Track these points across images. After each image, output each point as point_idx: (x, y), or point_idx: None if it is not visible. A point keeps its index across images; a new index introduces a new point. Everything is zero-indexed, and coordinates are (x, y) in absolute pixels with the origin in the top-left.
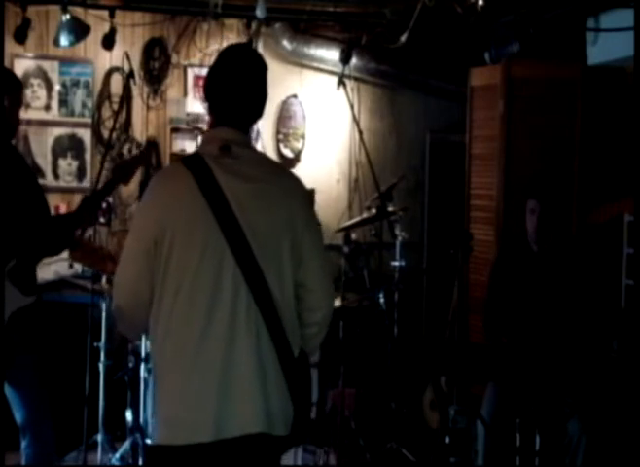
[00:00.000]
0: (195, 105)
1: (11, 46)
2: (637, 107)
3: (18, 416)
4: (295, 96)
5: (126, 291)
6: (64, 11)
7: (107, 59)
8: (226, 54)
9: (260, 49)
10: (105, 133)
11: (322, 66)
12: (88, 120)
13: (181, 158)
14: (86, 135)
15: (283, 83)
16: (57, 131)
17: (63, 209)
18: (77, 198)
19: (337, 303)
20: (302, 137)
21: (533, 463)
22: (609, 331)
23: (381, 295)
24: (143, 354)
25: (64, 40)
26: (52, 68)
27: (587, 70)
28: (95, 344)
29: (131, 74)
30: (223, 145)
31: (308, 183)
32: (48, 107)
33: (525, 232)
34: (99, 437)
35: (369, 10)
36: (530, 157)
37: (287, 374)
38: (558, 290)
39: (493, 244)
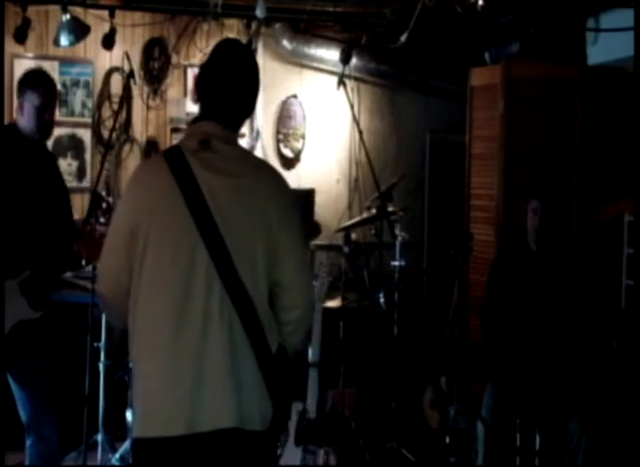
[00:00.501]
0: (196, 105)
1: (11, 46)
2: (637, 107)
3: (24, 415)
4: (295, 96)
5: (108, 279)
6: (64, 11)
7: (107, 59)
8: (216, 49)
9: (260, 49)
10: (105, 133)
11: (322, 66)
12: (89, 120)
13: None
14: (86, 135)
15: (283, 83)
16: (57, 131)
17: None
18: (77, 198)
19: (337, 303)
20: (302, 137)
21: (533, 463)
22: (609, 331)
23: (381, 295)
24: None
25: (64, 40)
26: (52, 68)
27: (587, 70)
28: (95, 344)
29: (131, 74)
30: (203, 139)
31: (308, 183)
32: None
33: (525, 231)
34: (99, 437)
35: (369, 10)
36: (530, 157)
37: (264, 369)
38: (557, 290)
39: (493, 244)
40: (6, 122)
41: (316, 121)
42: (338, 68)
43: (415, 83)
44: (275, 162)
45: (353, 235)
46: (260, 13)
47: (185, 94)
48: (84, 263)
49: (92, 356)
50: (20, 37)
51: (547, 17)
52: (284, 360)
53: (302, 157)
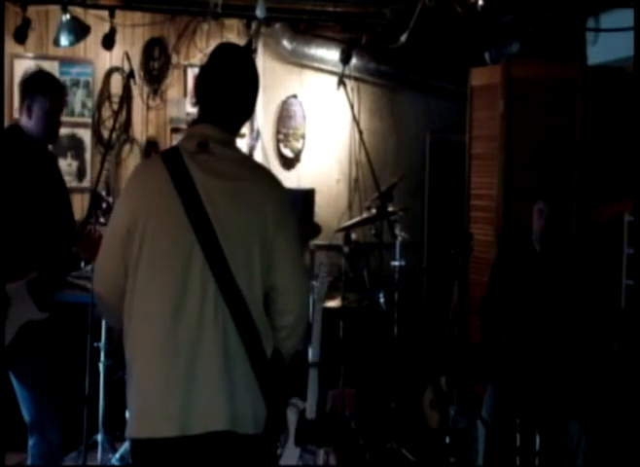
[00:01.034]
0: (195, 108)
1: (11, 46)
2: (637, 107)
3: (27, 415)
4: (295, 96)
5: (104, 278)
6: (64, 11)
7: (107, 59)
8: (215, 52)
9: (260, 49)
10: (105, 133)
11: (322, 66)
12: (89, 120)
13: (161, 151)
14: (86, 135)
15: (283, 83)
16: None
17: None
18: (77, 198)
19: (337, 303)
20: (302, 137)
21: (533, 463)
22: (609, 331)
23: (381, 295)
24: None
25: (64, 40)
26: (52, 68)
27: (587, 70)
28: (95, 344)
29: (131, 74)
30: (201, 141)
31: (308, 183)
32: None
33: (527, 231)
34: (99, 437)
35: (369, 10)
36: (530, 157)
37: (258, 373)
38: (560, 290)
39: (493, 244)
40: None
41: (316, 121)
42: (338, 68)
43: (415, 83)
44: (275, 162)
45: (353, 235)
46: (260, 13)
47: (185, 94)
48: (82, 264)
49: (92, 356)
50: (20, 37)
51: (547, 17)
52: (279, 364)
53: (302, 157)
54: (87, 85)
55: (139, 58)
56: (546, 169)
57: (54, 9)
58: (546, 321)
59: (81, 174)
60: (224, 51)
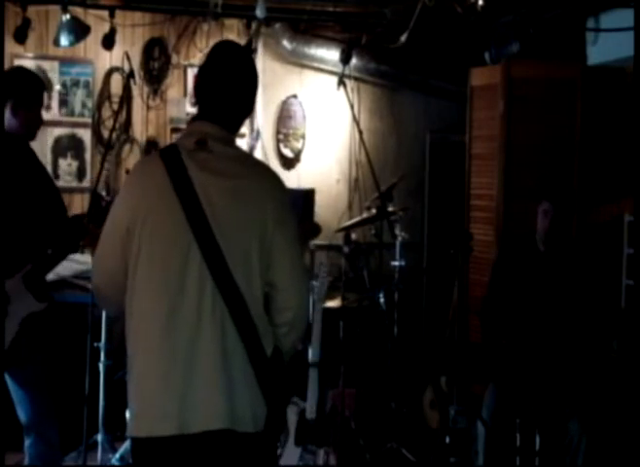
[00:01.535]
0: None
1: (11, 46)
2: (637, 107)
3: (23, 416)
4: (295, 96)
5: (102, 272)
6: (64, 11)
7: (107, 59)
8: (213, 50)
9: (260, 49)
10: (105, 133)
11: (322, 66)
12: (88, 120)
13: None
14: (86, 135)
15: (283, 83)
16: (57, 131)
17: None
18: (77, 198)
19: (337, 303)
20: (302, 137)
21: (533, 463)
22: (609, 331)
23: (381, 295)
24: None
25: (64, 40)
26: (52, 68)
27: (587, 70)
28: (95, 344)
29: (131, 74)
30: (199, 139)
31: (308, 183)
32: (48, 107)
33: (530, 231)
34: (99, 437)
35: (369, 10)
36: (530, 157)
37: (258, 371)
38: (564, 289)
39: (493, 244)
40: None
41: (316, 121)
42: (338, 68)
43: (415, 83)
44: (275, 162)
45: (353, 235)
46: (260, 13)
47: (185, 94)
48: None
49: (92, 356)
50: (20, 37)
51: (547, 17)
52: (279, 362)
53: (302, 157)
54: (87, 85)
55: (139, 58)
56: (546, 169)
57: (54, 9)
58: (547, 321)
59: (81, 174)
60: (222, 48)
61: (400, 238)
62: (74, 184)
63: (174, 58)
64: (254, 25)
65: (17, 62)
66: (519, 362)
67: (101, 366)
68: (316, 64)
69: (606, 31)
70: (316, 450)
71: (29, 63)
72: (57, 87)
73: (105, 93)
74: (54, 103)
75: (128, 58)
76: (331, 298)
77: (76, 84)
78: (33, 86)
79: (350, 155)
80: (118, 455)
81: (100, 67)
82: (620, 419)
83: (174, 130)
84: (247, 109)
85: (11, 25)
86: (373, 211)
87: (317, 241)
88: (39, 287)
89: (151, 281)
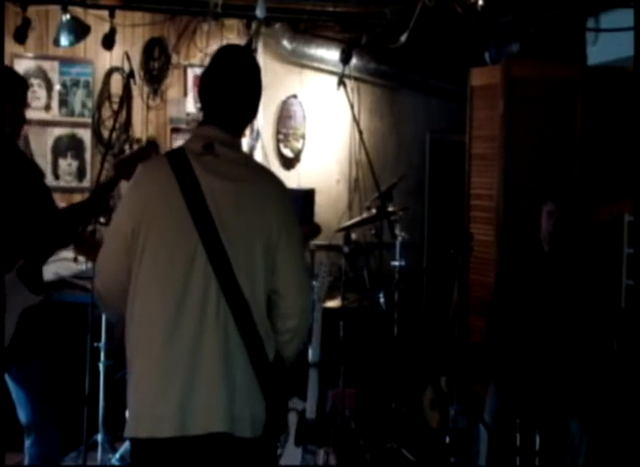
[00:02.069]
0: (196, 106)
1: (11, 46)
2: (637, 107)
3: (23, 416)
4: (295, 96)
5: (106, 277)
6: (64, 11)
7: (107, 59)
8: (218, 55)
9: (260, 49)
10: (105, 133)
11: (322, 66)
12: (89, 120)
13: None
14: (86, 135)
15: (283, 83)
16: (57, 131)
17: None
18: (77, 199)
19: (337, 303)
20: (302, 137)
21: (533, 463)
22: (609, 331)
23: (381, 295)
24: None
25: (64, 40)
26: (52, 68)
27: (587, 70)
28: (95, 344)
29: (131, 74)
30: (206, 143)
31: (308, 183)
32: (48, 107)
33: (534, 231)
34: (99, 437)
35: (369, 10)
36: (530, 157)
37: (260, 376)
38: (568, 289)
39: (493, 244)
40: None
41: (316, 121)
42: (338, 68)
43: (415, 83)
44: (275, 162)
45: (353, 235)
46: (260, 13)
47: (185, 94)
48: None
49: (92, 356)
50: (20, 37)
51: (547, 17)
52: (281, 368)
53: (302, 157)
54: (87, 85)
55: (139, 58)
56: (546, 169)
57: (54, 9)
58: (552, 321)
59: (81, 174)
60: (226, 53)
61: (400, 238)
62: (74, 184)
63: (174, 58)
64: (254, 25)
65: (18, 62)
66: (521, 362)
67: (101, 366)
68: (316, 64)
69: (606, 31)
70: (316, 451)
71: (29, 63)
72: (57, 87)
73: (105, 93)
74: (54, 103)
75: (128, 58)
76: (331, 298)
77: (76, 84)
78: (17, 84)
79: (350, 155)
80: (118, 455)
81: (100, 67)
82: (620, 419)
83: (174, 130)
84: (252, 113)
85: (11, 25)
86: (373, 211)
87: (317, 241)
88: (34, 280)
89: (154, 284)
